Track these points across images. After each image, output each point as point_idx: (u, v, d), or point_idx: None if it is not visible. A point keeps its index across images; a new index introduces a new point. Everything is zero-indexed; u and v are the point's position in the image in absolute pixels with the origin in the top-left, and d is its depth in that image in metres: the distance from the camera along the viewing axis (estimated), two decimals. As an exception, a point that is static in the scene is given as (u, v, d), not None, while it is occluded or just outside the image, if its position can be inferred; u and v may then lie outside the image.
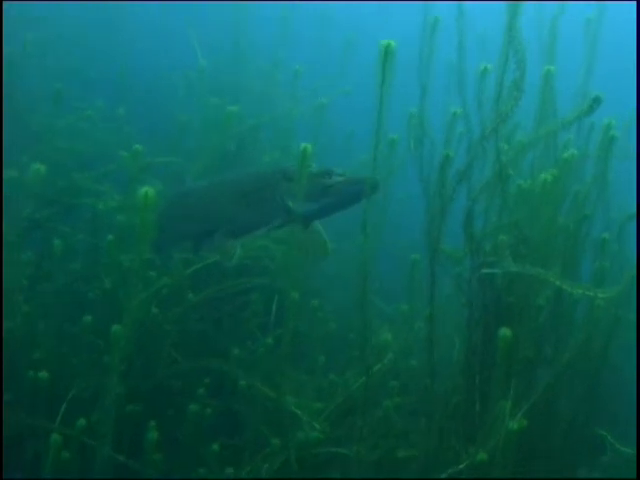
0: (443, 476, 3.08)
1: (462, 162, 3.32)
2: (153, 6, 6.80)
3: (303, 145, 2.86)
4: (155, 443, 3.34)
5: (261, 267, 4.31)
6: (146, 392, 3.79)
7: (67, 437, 3.20)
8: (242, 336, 4.33)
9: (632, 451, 3.42)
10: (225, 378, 3.88)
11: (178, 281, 3.92)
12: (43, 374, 3.40)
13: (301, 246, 3.66)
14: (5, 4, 4.92)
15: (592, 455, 3.72)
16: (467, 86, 3.34)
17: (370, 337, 3.14)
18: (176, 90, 5.83)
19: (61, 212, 4.18)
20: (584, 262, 3.86)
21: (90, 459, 3.12)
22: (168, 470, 3.47)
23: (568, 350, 3.28)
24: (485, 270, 3.13)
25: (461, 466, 3.07)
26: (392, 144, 3.95)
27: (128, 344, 3.37)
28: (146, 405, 3.70)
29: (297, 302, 3.58)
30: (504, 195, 3.28)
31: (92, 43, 6.39)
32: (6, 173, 3.75)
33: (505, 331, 2.83)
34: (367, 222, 2.88)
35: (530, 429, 3.23)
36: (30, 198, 3.91)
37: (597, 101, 3.04)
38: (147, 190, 2.55)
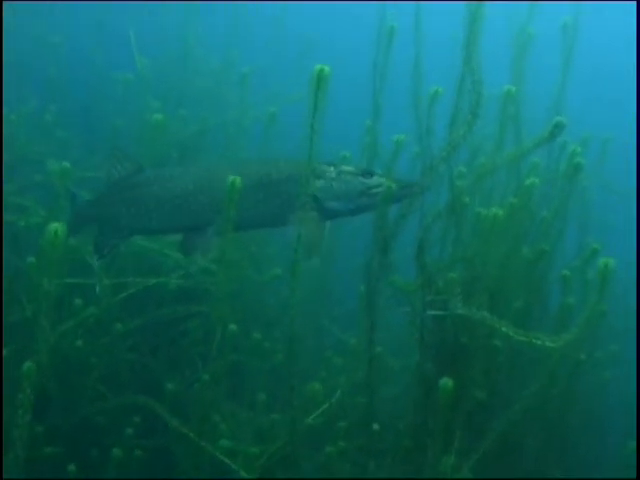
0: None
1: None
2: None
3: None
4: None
5: (202, 291, 4.29)
6: (68, 431, 3.77)
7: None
8: (181, 365, 4.31)
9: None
10: (158, 413, 3.85)
11: (107, 309, 3.89)
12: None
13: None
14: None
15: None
16: (423, 105, 3.34)
17: (296, 393, 3.14)
18: (115, 92, 5.78)
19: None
20: (555, 292, 3.88)
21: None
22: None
23: (525, 395, 3.27)
24: (433, 312, 3.13)
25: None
26: (344, 160, 3.96)
27: (45, 380, 3.34)
28: (67, 446, 3.68)
29: (235, 335, 3.59)
30: (458, 226, 3.29)
31: (30, 38, 6.31)
32: None
33: (446, 381, 2.83)
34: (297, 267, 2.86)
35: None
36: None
37: (558, 127, 3.05)
38: (56, 227, 2.52)
